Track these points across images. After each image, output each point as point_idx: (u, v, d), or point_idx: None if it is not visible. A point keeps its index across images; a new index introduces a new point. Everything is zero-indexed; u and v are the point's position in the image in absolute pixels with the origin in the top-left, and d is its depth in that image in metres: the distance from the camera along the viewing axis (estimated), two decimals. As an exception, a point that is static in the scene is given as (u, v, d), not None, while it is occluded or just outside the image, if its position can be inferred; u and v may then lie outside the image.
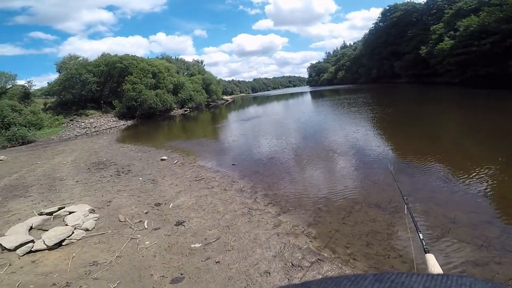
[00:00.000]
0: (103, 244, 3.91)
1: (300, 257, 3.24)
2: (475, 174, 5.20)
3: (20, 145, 18.49)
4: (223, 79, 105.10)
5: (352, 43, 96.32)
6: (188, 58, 68.58)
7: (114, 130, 23.81)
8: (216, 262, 3.26)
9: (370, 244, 3.42)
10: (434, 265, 0.85)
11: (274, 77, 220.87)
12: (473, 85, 23.19)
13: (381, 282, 0.28)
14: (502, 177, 5.02)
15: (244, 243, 3.64)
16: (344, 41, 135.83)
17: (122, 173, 8.00)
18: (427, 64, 34.63)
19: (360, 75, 67.05)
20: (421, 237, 1.15)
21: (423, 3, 45.60)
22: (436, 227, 3.60)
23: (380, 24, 56.88)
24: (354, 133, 10.18)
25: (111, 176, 7.75)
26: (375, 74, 57.38)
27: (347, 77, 77.02)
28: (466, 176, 5.18)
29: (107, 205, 5.41)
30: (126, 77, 31.02)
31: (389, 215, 4.08)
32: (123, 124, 27.27)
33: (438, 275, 0.30)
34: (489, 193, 4.49)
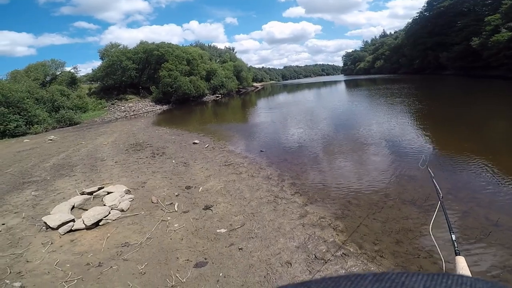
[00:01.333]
0: (135, 225, 4.06)
1: (324, 250, 3.16)
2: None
3: (68, 126, 20.20)
4: (253, 66, 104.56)
5: (392, 32, 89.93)
6: (220, 46, 69.08)
7: (151, 114, 25.01)
8: (239, 248, 3.29)
9: (400, 242, 3.25)
10: (463, 268, 0.80)
11: (306, 65, 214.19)
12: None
13: (381, 282, 0.28)
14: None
15: (268, 231, 3.62)
16: (384, 29, 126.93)
17: (157, 155, 8.38)
18: (479, 56, 31.61)
19: (401, 65, 62.79)
20: (454, 238, 1.05)
21: (478, -8, 41.30)
22: (475, 229, 3.34)
23: (425, 13, 52.72)
24: (390, 125, 9.66)
25: (146, 157, 8.15)
26: (418, 65, 53.38)
27: (385, 67, 72.53)
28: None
29: (142, 186, 5.65)
30: (162, 64, 32.22)
31: (424, 213, 3.83)
32: (159, 109, 28.57)
33: (439, 274, 0.29)
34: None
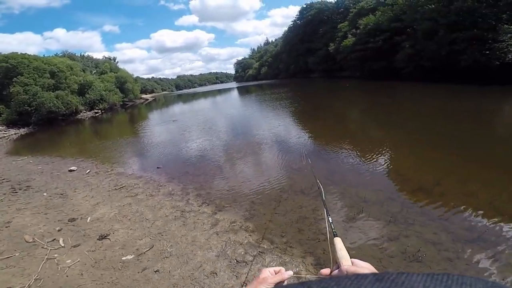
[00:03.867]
0: (12, 268, 3.38)
1: (243, 253, 3.22)
2: (377, 155, 6.04)
3: None
4: (141, 76, 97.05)
5: (273, 40, 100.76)
6: (97, 55, 60.75)
7: (3, 141, 19.38)
8: (155, 271, 3.03)
9: (301, 230, 3.60)
10: (341, 249, 0.90)
11: (201, 74, 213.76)
12: (370, 78, 27.20)
13: (381, 281, 0.28)
14: (398, 156, 6.01)
15: (182, 247, 3.45)
16: (267, 37, 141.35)
17: (20, 189, 6.59)
18: (335, 59, 38.69)
19: (280, 71, 70.86)
20: (331, 221, 1.21)
21: (333, 2, 50.03)
22: (352, 207, 4.00)
23: (298, 22, 60.00)
24: (277, 126, 10.73)
25: (4, 194, 6.35)
26: (293, 70, 61.38)
27: (269, 73, 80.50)
28: (370, 157, 5.95)
29: (6, 227, 4.54)
30: (14, 78, 25.60)
31: (313, 199, 4.37)
32: (15, 133, 22.44)
33: (439, 274, 0.29)
34: (389, 171, 5.22)
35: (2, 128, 23.33)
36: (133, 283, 2.87)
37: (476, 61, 15.19)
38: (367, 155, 6.07)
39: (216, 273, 2.91)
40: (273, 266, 0.79)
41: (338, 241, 0.97)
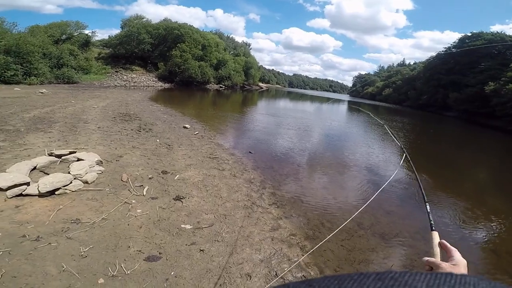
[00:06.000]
0: (94, 201, 3.69)
1: (286, 269, 2.95)
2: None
3: (64, 83, 19.72)
4: (263, 66, 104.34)
5: (412, 63, 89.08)
6: (238, 39, 68.53)
7: (151, 89, 24.56)
8: (201, 250, 3.03)
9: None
10: (436, 245, 0.85)
11: (316, 78, 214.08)
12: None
13: (383, 280, 0.28)
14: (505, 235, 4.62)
15: (236, 238, 3.39)
16: (404, 58, 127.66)
17: (143, 130, 8.07)
18: (487, 102, 30.94)
19: (408, 98, 62.37)
20: (428, 210, 1.15)
21: (512, 35, 39.66)
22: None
23: (453, 49, 50.22)
24: (382, 157, 9.30)
25: (132, 130, 7.84)
26: (425, 101, 52.72)
27: (392, 96, 71.82)
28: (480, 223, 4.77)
29: (117, 160, 5.29)
30: (178, 44, 32.08)
31: (390, 248, 3.72)
32: (161, 86, 28.23)
33: (442, 273, 0.28)
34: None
35: (155, 79, 29.70)
36: (175, 253, 2.93)
37: None
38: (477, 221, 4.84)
39: (250, 277, 2.76)
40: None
41: (435, 236, 0.90)
